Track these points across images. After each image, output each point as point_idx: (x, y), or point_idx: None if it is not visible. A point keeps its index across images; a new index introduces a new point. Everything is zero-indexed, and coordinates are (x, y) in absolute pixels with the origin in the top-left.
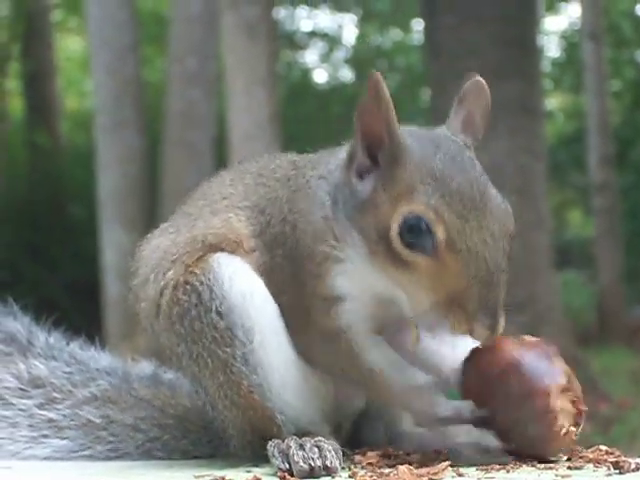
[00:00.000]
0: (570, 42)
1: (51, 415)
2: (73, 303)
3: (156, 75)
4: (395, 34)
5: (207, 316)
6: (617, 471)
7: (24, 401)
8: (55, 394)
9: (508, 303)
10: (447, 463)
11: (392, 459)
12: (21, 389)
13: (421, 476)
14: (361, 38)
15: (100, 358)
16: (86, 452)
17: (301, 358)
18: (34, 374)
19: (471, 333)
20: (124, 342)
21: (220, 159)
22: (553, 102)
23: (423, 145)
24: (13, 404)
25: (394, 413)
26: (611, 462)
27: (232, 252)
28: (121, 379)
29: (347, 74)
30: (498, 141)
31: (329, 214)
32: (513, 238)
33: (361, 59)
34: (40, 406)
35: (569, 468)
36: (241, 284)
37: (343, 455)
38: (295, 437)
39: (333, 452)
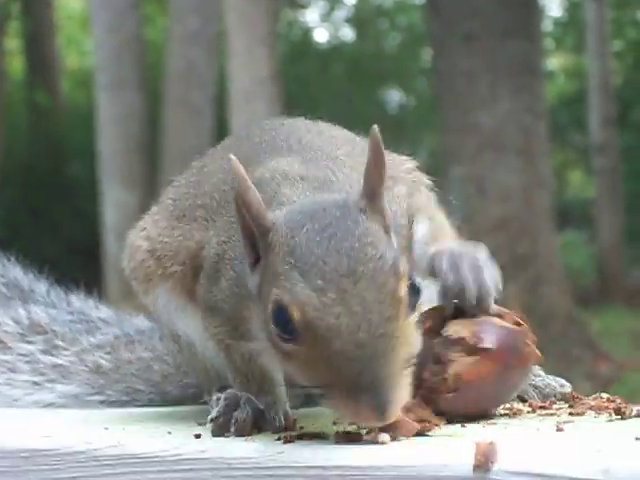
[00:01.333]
0: (572, 2)
1: (57, 360)
2: (73, 263)
3: (157, 34)
4: None
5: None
6: (618, 417)
7: (24, 345)
8: (58, 341)
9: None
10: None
11: None
12: (20, 334)
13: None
14: None
15: (100, 310)
16: (94, 397)
17: None
18: (34, 320)
19: (357, 419)
20: (124, 301)
21: (220, 118)
22: (554, 62)
23: (294, 220)
24: (11, 348)
25: None
26: (612, 408)
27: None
28: (124, 331)
29: (348, 33)
30: (500, 102)
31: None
32: (399, 298)
33: (362, 18)
34: (44, 352)
35: (570, 414)
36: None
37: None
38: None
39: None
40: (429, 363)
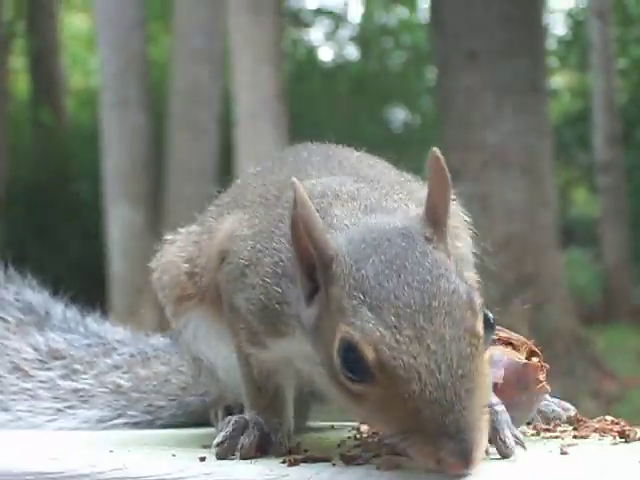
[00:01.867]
0: (576, 20)
1: (77, 385)
2: (79, 281)
3: (161, 53)
4: (401, 12)
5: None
6: (623, 440)
7: (44, 373)
8: (76, 365)
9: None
10: None
11: None
12: (40, 360)
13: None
14: (367, 16)
15: (115, 331)
16: (118, 420)
17: None
18: (52, 347)
19: (440, 465)
20: (130, 319)
21: (225, 137)
22: (559, 80)
23: (357, 251)
24: (32, 376)
25: None
26: (617, 431)
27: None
28: (139, 349)
29: (352, 52)
30: (504, 120)
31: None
32: (477, 334)
33: (367, 37)
34: (64, 377)
35: (575, 437)
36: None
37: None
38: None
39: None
40: None
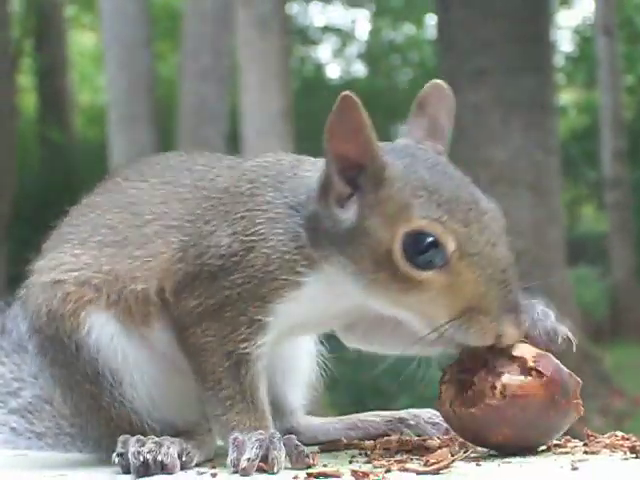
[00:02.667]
0: (583, 37)
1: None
2: None
3: (169, 71)
4: (408, 29)
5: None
6: (633, 455)
7: None
8: None
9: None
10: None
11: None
12: None
13: (432, 464)
14: (374, 33)
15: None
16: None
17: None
18: None
19: (500, 337)
20: None
21: (233, 154)
22: (566, 97)
23: (400, 159)
24: None
25: (288, 406)
26: (627, 447)
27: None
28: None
29: (360, 69)
30: (512, 137)
31: (306, 244)
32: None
33: (374, 54)
34: None
35: (585, 453)
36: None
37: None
38: (139, 436)
39: (173, 449)
40: (480, 370)
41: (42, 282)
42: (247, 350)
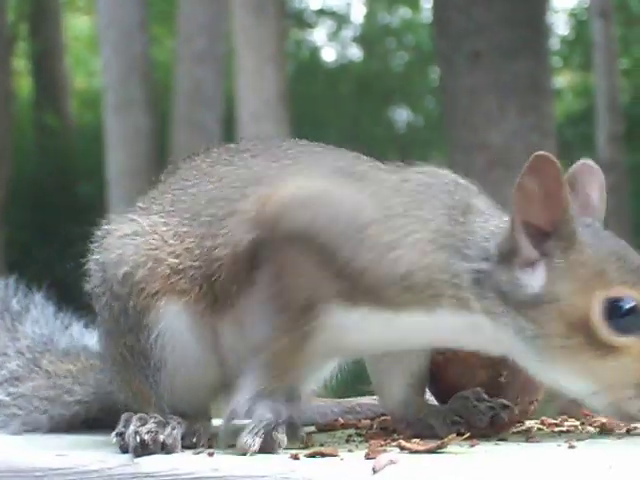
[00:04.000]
0: (579, 20)
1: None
2: (83, 281)
3: (165, 54)
4: (404, 12)
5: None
6: (628, 434)
7: None
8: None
9: None
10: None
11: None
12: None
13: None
14: (369, 16)
15: (26, 334)
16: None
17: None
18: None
19: None
20: None
21: (229, 138)
22: (562, 80)
23: (581, 226)
24: None
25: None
26: (623, 426)
27: None
28: (29, 359)
29: (355, 52)
30: (508, 120)
31: (462, 284)
32: None
33: (369, 37)
34: None
35: (581, 432)
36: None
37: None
38: (143, 414)
39: (175, 430)
40: None
41: (136, 244)
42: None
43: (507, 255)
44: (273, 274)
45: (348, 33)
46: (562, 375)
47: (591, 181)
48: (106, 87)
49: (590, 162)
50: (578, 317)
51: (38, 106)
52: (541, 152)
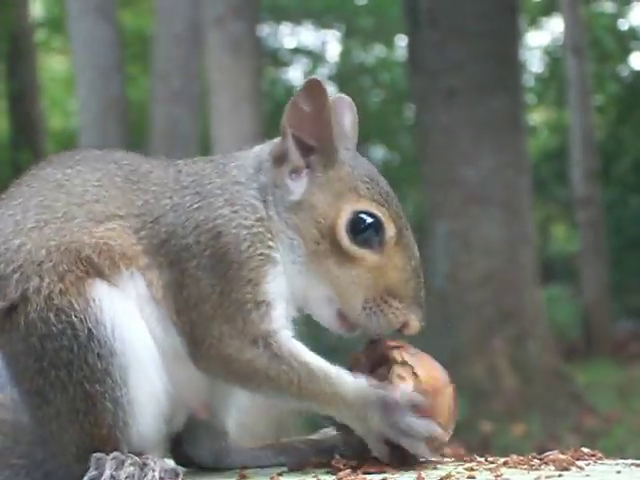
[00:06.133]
0: (553, 57)
1: None
2: None
3: (140, 94)
4: (379, 50)
5: (81, 352)
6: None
7: None
8: None
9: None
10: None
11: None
12: None
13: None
14: (345, 54)
15: None
16: None
17: (175, 384)
18: None
19: (406, 325)
20: None
21: None
22: (536, 117)
23: (342, 148)
24: None
25: (222, 427)
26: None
27: (113, 272)
28: None
29: (331, 90)
30: (483, 156)
31: (264, 215)
32: None
33: (345, 75)
34: None
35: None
36: (123, 329)
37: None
38: (117, 454)
39: (157, 472)
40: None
41: (16, 277)
42: (268, 327)
43: (279, 164)
44: None
45: (324, 71)
46: (310, 281)
47: (346, 113)
48: (82, 127)
49: (345, 96)
50: (328, 226)
51: (14, 146)
52: (315, 77)
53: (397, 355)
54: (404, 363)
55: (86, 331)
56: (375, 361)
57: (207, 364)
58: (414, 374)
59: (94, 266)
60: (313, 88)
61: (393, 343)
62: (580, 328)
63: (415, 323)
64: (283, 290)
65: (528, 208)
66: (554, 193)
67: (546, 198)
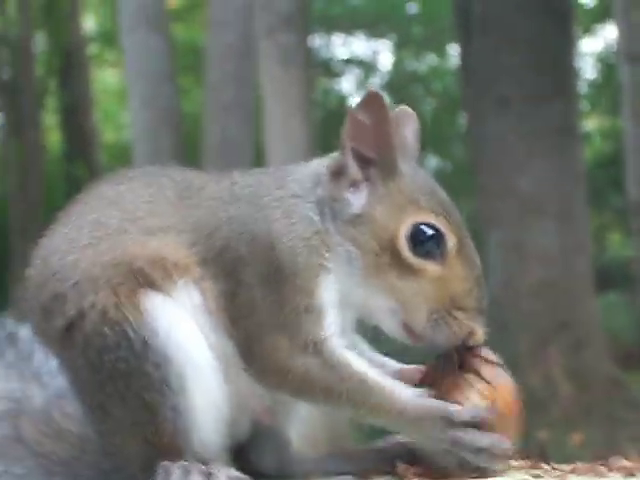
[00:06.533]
0: (606, 63)
1: None
2: None
3: (193, 105)
4: (431, 59)
5: (138, 362)
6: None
7: None
8: None
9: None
10: None
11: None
12: None
13: None
14: (397, 64)
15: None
16: None
17: (235, 391)
18: None
19: (470, 335)
20: None
21: None
22: (590, 124)
23: (401, 160)
24: None
25: (285, 436)
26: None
27: (167, 283)
28: (9, 425)
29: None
30: (537, 165)
31: (320, 228)
32: None
33: (397, 85)
34: None
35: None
36: (178, 336)
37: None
38: (184, 462)
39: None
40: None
41: (73, 294)
42: (319, 334)
43: (337, 177)
44: None
45: (376, 81)
46: (371, 293)
47: (408, 125)
48: (135, 139)
49: (407, 108)
50: (388, 238)
51: (68, 159)
52: (374, 89)
53: (482, 369)
54: (484, 379)
55: (141, 341)
56: (449, 371)
57: (263, 376)
58: (491, 391)
59: (147, 277)
60: (372, 100)
61: (479, 353)
62: (637, 334)
63: (480, 333)
64: (336, 300)
65: (583, 216)
66: (609, 200)
67: (601, 206)
